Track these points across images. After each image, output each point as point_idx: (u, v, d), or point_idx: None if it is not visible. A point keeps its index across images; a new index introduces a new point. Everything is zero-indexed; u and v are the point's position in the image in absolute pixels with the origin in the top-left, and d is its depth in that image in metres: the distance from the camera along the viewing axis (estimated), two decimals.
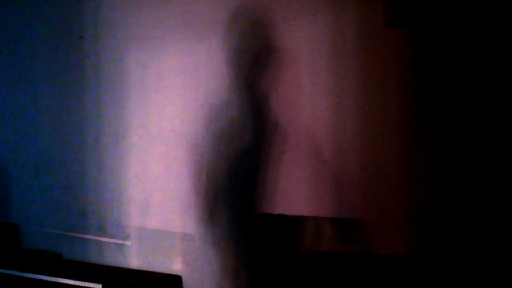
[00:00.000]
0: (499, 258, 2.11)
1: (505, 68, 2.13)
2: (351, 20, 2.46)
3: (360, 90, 2.46)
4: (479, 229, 2.17)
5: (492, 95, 2.16)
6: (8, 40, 3.74)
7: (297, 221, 2.59)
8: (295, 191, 2.63)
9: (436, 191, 2.27)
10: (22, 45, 3.68)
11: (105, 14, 3.28)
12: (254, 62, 2.77)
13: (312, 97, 2.58)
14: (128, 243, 3.22)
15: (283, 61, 2.66)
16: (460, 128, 2.22)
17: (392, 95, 2.38)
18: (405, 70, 2.34)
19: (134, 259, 3.19)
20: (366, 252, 2.39)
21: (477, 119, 2.18)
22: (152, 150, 3.13)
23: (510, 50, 2.12)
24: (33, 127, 3.65)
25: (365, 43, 2.43)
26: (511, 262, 2.08)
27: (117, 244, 3.26)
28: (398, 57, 2.35)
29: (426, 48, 2.29)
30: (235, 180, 2.84)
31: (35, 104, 3.65)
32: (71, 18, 3.43)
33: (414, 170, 2.31)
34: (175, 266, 3.00)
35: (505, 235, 2.11)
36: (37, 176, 3.64)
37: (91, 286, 2.84)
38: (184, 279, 2.96)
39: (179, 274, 2.98)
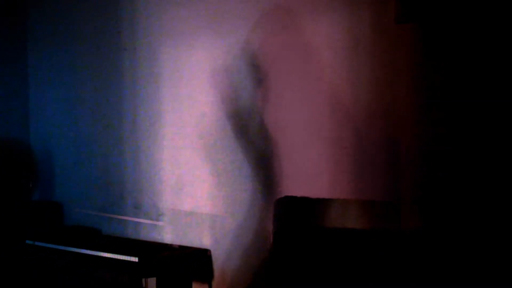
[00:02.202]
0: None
1: (504, 63, 2.19)
2: (365, 16, 2.51)
3: (373, 80, 2.51)
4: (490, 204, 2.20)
5: (492, 94, 2.20)
6: (53, 36, 3.82)
7: (317, 202, 2.65)
8: (317, 175, 2.68)
9: (447, 171, 2.31)
10: (65, 40, 3.76)
11: (141, 11, 3.34)
12: (279, 55, 2.81)
13: (332, 86, 2.64)
14: (161, 222, 3.30)
15: (306, 53, 2.71)
16: (466, 116, 2.26)
17: (403, 85, 2.43)
18: (415, 62, 2.39)
19: (167, 235, 3.27)
20: (379, 229, 2.46)
21: (479, 111, 2.23)
22: (183, 136, 3.20)
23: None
24: (75, 115, 3.74)
25: (378, 37, 2.47)
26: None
27: (151, 221, 3.34)
28: (408, 51, 2.40)
29: (434, 42, 2.34)
30: (259, 166, 2.90)
31: (77, 93, 3.73)
32: (109, 14, 3.50)
33: (425, 154, 2.37)
34: (205, 241, 3.08)
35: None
36: (79, 160, 3.73)
37: (129, 259, 2.94)
38: (213, 253, 3.05)
39: (208, 248, 3.06)
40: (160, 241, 3.29)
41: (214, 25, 3.04)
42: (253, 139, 2.93)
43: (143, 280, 3.11)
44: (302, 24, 2.72)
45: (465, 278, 2.20)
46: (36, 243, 3.31)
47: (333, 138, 2.64)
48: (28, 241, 3.35)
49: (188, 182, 3.20)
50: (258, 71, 2.89)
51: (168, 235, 3.28)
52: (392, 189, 2.47)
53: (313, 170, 2.70)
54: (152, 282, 3.09)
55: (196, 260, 3.06)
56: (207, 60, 3.08)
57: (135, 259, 2.91)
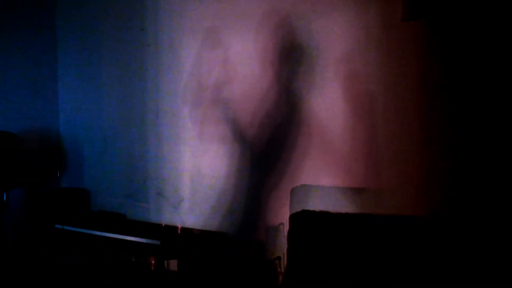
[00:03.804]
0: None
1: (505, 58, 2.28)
2: (373, 14, 2.58)
3: (381, 74, 2.59)
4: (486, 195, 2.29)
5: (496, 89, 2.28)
6: (81, 33, 3.88)
7: (331, 190, 2.76)
8: (331, 164, 2.78)
9: (448, 162, 2.40)
10: (92, 38, 3.81)
11: (164, 9, 3.40)
12: (295, 48, 2.87)
13: (345, 81, 2.72)
14: (182, 205, 3.37)
15: (319, 46, 2.79)
16: (470, 106, 2.35)
17: (409, 79, 2.51)
18: (420, 57, 2.46)
19: (188, 219, 3.34)
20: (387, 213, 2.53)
21: (481, 99, 2.32)
22: (204, 126, 3.26)
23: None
24: (101, 107, 3.79)
25: (385, 34, 2.55)
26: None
27: (173, 206, 3.41)
28: (414, 46, 2.47)
29: (438, 38, 2.42)
30: (277, 156, 2.97)
31: (104, 86, 3.78)
32: (133, 12, 3.55)
33: (428, 145, 2.47)
34: (224, 226, 3.15)
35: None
36: (105, 149, 3.78)
37: (151, 242, 3.04)
38: (231, 237, 3.13)
39: (226, 231, 3.14)
40: (181, 224, 3.34)
41: (234, 21, 3.10)
42: (271, 131, 2.99)
43: (165, 262, 3.18)
44: (314, 23, 2.79)
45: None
46: (65, 227, 3.39)
47: (348, 129, 2.72)
48: (57, 226, 3.41)
49: (208, 170, 3.26)
50: (276, 66, 2.95)
51: (188, 220, 3.34)
52: (403, 177, 2.56)
53: (327, 159, 2.78)
54: (173, 264, 3.16)
55: (215, 243, 3.12)
56: (227, 53, 3.13)
57: (158, 242, 3.02)
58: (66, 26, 3.99)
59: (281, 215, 2.95)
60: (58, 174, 3.90)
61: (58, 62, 4.04)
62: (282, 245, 2.92)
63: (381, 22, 2.57)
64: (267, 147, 3.01)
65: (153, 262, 3.05)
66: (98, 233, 3.25)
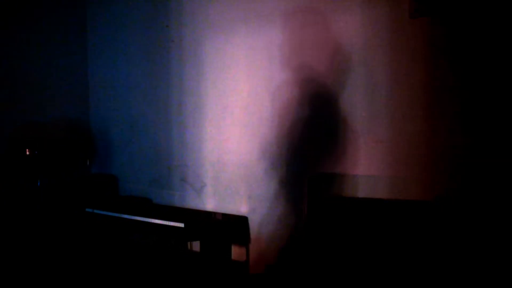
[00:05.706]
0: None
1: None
2: (382, 11, 2.62)
3: (390, 69, 2.64)
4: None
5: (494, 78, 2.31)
6: (110, 30, 4.00)
7: (344, 178, 2.79)
8: (341, 155, 2.82)
9: (453, 154, 2.44)
10: (120, 34, 3.92)
11: (187, 6, 3.48)
12: (305, 45, 2.92)
13: (354, 72, 2.77)
14: (205, 191, 3.46)
15: (330, 42, 2.82)
16: (473, 101, 2.38)
17: (416, 74, 2.55)
18: (427, 53, 2.51)
19: (210, 203, 3.44)
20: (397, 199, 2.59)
21: (485, 92, 2.35)
22: (224, 117, 3.35)
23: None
24: (129, 98, 3.91)
25: (394, 31, 2.59)
26: None
27: (196, 191, 3.51)
28: (421, 43, 2.52)
29: (445, 35, 2.46)
30: (294, 145, 3.01)
31: (130, 79, 3.90)
32: (158, 10, 3.64)
33: (435, 134, 2.51)
34: (243, 210, 3.24)
35: None
36: (132, 138, 3.91)
37: (176, 225, 3.10)
38: (250, 220, 3.22)
39: (246, 215, 3.22)
40: (203, 208, 3.45)
41: (252, 18, 3.15)
42: (288, 123, 3.04)
43: (188, 243, 3.31)
44: (326, 21, 2.83)
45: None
46: (95, 211, 3.48)
47: (355, 119, 2.77)
48: (87, 209, 3.52)
49: (228, 157, 3.35)
50: (288, 60, 3.00)
51: (210, 204, 3.43)
52: (412, 166, 2.60)
53: (338, 149, 2.84)
54: (196, 245, 3.28)
55: (235, 226, 3.20)
56: (245, 48, 3.19)
57: (181, 225, 3.07)
58: (96, 19, 4.07)
59: (297, 200, 3.00)
60: (88, 162, 4.00)
61: (88, 56, 4.12)
62: (301, 230, 2.98)
63: (389, 19, 2.60)
64: (286, 138, 3.05)
65: (177, 243, 3.18)
66: (126, 216, 3.32)
